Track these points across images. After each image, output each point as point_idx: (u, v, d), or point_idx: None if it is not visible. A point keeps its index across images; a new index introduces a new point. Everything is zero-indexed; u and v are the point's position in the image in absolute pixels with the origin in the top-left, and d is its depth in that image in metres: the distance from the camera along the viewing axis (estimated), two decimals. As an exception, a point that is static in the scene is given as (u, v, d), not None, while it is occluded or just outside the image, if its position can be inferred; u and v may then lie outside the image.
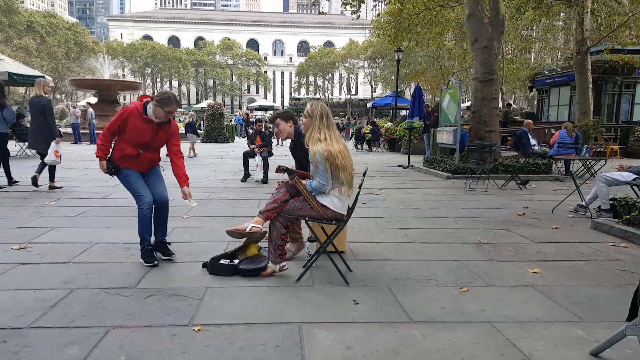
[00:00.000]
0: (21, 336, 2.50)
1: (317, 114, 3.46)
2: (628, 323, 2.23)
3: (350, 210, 3.60)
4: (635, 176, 5.33)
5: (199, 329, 2.62)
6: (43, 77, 14.94)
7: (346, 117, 41.30)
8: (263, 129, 9.88)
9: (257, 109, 46.99)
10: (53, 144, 7.17)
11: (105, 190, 7.46)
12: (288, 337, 2.57)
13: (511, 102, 33.05)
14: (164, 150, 4.02)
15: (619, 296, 3.24)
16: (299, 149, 4.09)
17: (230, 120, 29.01)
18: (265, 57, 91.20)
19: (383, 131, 20.50)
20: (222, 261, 3.65)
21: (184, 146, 15.49)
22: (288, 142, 4.28)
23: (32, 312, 2.79)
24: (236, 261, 3.65)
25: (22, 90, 49.86)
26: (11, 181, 7.85)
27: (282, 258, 3.54)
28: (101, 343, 2.45)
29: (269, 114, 43.61)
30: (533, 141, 10.91)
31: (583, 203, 6.12)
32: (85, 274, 3.51)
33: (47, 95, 7.59)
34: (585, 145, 9.28)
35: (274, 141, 22.11)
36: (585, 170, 9.64)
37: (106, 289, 3.20)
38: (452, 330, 2.69)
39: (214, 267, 3.57)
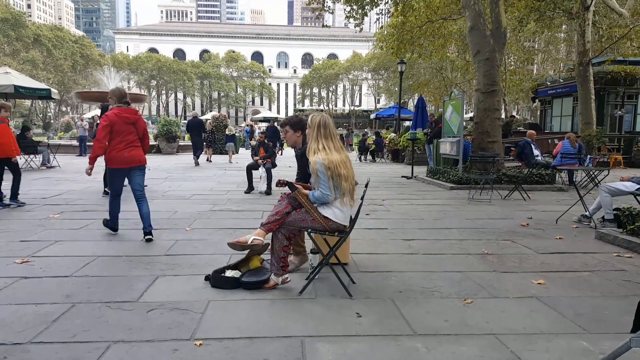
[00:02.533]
0: (22, 352, 2.50)
1: (315, 124, 3.48)
2: (633, 335, 2.21)
3: (353, 221, 3.59)
4: (638, 186, 5.31)
5: (200, 344, 2.61)
6: (49, 89, 15.10)
7: (348, 128, 41.44)
8: (266, 140, 9.92)
9: (261, 121, 47.20)
10: None
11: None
12: (290, 351, 2.55)
13: (514, 114, 33.10)
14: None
15: (625, 307, 3.21)
16: (304, 158, 4.11)
17: (234, 133, 28.68)
18: (270, 69, 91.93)
19: (386, 142, 20.53)
20: (227, 272, 3.64)
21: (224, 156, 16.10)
22: (289, 151, 4.28)
23: (33, 327, 2.79)
24: (238, 273, 3.65)
25: (27, 103, 50.46)
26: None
27: (284, 270, 3.53)
28: (102, 358, 2.44)
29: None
30: (536, 152, 10.89)
31: (587, 213, 6.09)
32: (87, 287, 3.51)
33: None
34: (589, 156, 9.26)
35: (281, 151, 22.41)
36: (589, 180, 9.60)
37: (108, 303, 3.20)
38: (456, 343, 2.67)
39: (216, 280, 3.56)
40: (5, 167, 7.03)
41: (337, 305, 3.22)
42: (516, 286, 3.67)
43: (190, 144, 16.49)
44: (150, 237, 4.98)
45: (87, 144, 19.64)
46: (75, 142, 20.14)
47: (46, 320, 2.90)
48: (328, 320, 2.97)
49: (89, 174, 4.97)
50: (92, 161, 4.89)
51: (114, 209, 5.20)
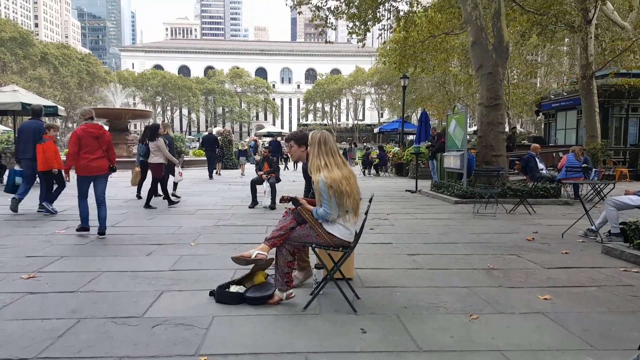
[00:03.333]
0: (28, 367, 2.50)
1: (315, 142, 3.48)
2: (641, 352, 2.19)
3: (357, 236, 3.59)
4: (644, 200, 5.28)
5: (205, 359, 2.61)
6: (56, 107, 15.26)
7: (351, 142, 41.42)
8: (270, 155, 9.96)
9: (265, 135, 47.40)
10: (176, 167, 9.99)
11: (114, 218, 7.51)
12: (295, 367, 2.54)
13: (516, 126, 33.09)
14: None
15: (633, 323, 3.18)
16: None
17: (246, 148, 28.75)
18: (274, 85, 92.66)
19: (390, 156, 20.57)
20: (231, 287, 3.64)
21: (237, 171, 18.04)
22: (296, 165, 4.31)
23: (39, 343, 2.80)
24: (242, 288, 3.64)
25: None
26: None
27: (288, 285, 3.52)
28: (107, 373, 2.44)
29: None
30: (541, 165, 10.88)
31: (593, 227, 6.05)
32: (92, 302, 3.52)
33: (171, 134, 10.55)
34: (594, 169, 9.21)
35: (285, 165, 22.76)
36: (594, 193, 9.55)
37: (113, 318, 3.20)
38: (461, 360, 2.65)
39: (220, 295, 3.56)
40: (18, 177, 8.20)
41: (342, 321, 3.21)
42: (522, 301, 3.64)
43: (197, 159, 17.54)
44: (103, 236, 5.94)
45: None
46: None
47: (52, 335, 2.90)
48: (332, 336, 2.96)
49: (68, 180, 6.53)
50: (67, 171, 6.26)
51: (83, 210, 6.06)
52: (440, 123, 35.37)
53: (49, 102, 16.56)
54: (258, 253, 3.47)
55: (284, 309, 3.42)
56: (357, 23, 15.32)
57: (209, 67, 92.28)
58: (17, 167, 8.26)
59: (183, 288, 3.91)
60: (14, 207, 7.67)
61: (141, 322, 3.15)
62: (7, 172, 8.74)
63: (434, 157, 14.30)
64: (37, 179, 8.10)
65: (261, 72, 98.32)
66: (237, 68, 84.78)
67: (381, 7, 15.45)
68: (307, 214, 3.44)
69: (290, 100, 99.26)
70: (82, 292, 3.76)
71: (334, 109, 77.78)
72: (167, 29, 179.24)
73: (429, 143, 15.24)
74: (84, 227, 6.10)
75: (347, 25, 15.87)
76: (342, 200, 3.33)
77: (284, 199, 3.61)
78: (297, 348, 2.78)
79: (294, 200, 3.56)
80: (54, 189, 7.97)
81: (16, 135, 8.03)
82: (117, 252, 5.21)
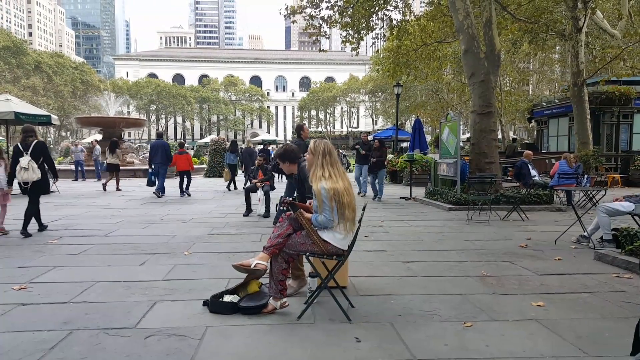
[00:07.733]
0: (19, 379, 2.48)
1: (319, 152, 3.49)
2: (633, 358, 2.20)
3: (351, 244, 3.59)
4: (634, 206, 5.33)
5: (198, 370, 2.59)
6: (49, 116, 15.21)
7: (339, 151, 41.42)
8: (265, 163, 9.95)
9: (260, 144, 47.47)
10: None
11: (107, 227, 7.48)
12: (289, 377, 2.53)
13: (516, 137, 33.32)
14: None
15: (625, 329, 3.19)
16: (301, 183, 4.26)
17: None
18: (268, 93, 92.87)
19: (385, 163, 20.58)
20: (225, 296, 3.63)
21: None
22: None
23: (30, 355, 2.77)
24: (236, 297, 3.63)
25: (28, 128, 50.63)
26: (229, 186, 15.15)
27: (282, 294, 3.51)
28: (100, 385, 2.42)
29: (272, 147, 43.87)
30: (533, 172, 10.95)
31: (585, 234, 6.09)
32: (85, 313, 3.49)
33: (253, 147, 13.98)
34: (586, 175, 9.30)
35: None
36: (587, 200, 9.63)
37: (106, 330, 3.18)
38: (455, 368, 2.65)
39: (214, 305, 3.55)
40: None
41: (336, 330, 3.21)
42: (516, 309, 3.66)
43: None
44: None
45: (85, 168, 19.68)
46: (72, 167, 20.20)
47: (43, 347, 2.88)
48: (327, 346, 2.95)
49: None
50: None
51: None
52: (433, 130, 35.53)
53: (43, 112, 16.49)
54: (257, 263, 3.45)
55: (278, 319, 3.41)
56: (351, 32, 15.43)
57: (204, 76, 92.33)
58: (149, 170, 12.78)
59: (177, 298, 3.88)
60: (159, 195, 12.24)
61: (134, 333, 3.12)
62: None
63: (376, 170, 12.10)
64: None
65: (256, 80, 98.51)
66: (232, 76, 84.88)
67: (374, 16, 15.57)
68: (305, 220, 3.44)
69: (285, 108, 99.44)
70: (75, 303, 3.74)
71: (328, 116, 78.05)
72: (161, 38, 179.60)
73: (357, 147, 12.49)
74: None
75: (341, 34, 15.99)
76: (344, 210, 3.36)
77: (284, 202, 3.62)
78: (292, 358, 2.77)
79: (292, 205, 3.57)
80: (187, 182, 13.11)
81: (150, 149, 12.99)
82: (110, 261, 5.17)
